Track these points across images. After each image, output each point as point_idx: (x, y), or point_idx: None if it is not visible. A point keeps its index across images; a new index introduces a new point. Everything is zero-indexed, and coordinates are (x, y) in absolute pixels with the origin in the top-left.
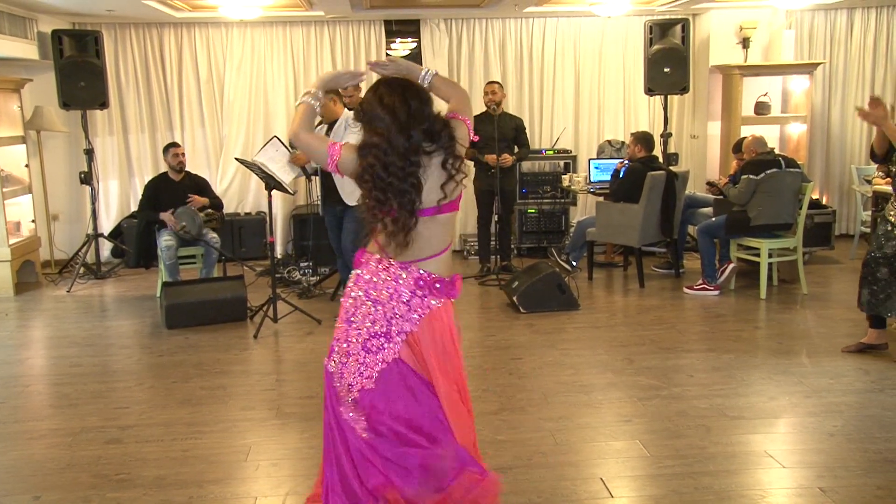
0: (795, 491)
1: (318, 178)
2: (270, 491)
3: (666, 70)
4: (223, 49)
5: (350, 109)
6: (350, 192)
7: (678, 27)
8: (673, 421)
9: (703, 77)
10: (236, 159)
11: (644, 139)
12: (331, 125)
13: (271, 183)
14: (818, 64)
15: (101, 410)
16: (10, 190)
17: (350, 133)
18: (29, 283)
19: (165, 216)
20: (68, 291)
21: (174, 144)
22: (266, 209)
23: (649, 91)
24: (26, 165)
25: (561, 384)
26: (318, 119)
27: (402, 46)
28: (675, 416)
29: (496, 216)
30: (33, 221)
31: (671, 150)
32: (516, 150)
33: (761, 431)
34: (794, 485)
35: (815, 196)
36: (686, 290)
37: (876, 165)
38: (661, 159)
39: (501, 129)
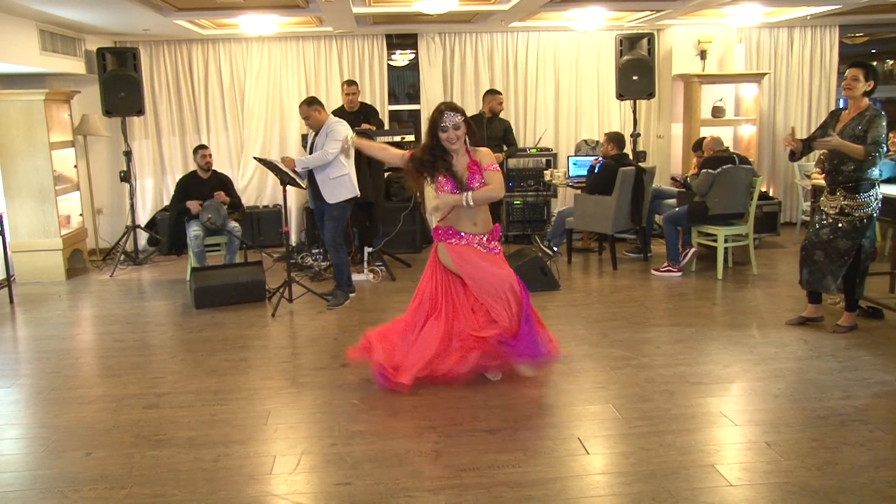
0: (745, 445)
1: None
2: (288, 450)
3: (634, 78)
4: (244, 61)
5: (349, 109)
6: (332, 193)
7: (645, 41)
8: (641, 387)
9: (666, 84)
10: (254, 158)
11: (616, 139)
12: (317, 133)
13: (286, 179)
14: (765, 74)
15: (141, 380)
16: (61, 188)
17: (331, 140)
18: (77, 269)
19: (192, 204)
20: (111, 276)
21: (203, 147)
22: (282, 202)
23: (620, 96)
24: (75, 166)
25: None
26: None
27: (402, 57)
28: (643, 382)
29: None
30: (81, 215)
31: (640, 148)
32: (505, 148)
33: (717, 395)
34: (744, 440)
35: (764, 189)
36: (653, 271)
37: (809, 162)
38: (631, 156)
39: (492, 131)
